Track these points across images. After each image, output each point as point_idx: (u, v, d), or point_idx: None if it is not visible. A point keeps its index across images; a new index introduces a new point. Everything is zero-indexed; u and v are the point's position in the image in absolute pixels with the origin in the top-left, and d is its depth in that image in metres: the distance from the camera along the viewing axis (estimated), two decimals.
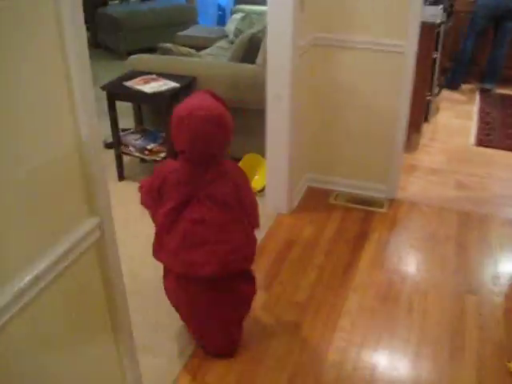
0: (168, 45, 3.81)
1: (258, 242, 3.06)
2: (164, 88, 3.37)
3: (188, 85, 3.51)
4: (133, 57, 3.80)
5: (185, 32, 5.79)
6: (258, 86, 3.28)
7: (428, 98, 4.47)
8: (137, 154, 3.58)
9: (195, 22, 7.01)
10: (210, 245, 2.07)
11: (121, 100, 3.56)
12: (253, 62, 3.64)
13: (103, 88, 3.42)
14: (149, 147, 3.50)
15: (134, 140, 3.59)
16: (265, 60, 3.10)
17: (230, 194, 2.10)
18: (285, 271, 2.87)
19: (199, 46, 5.59)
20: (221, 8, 7.65)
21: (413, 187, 3.70)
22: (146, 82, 3.45)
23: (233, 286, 2.22)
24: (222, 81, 3.53)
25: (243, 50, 3.71)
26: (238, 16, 5.43)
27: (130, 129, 3.79)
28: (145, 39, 6.60)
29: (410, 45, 3.08)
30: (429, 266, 2.92)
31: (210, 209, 2.06)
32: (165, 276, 2.31)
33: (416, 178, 3.83)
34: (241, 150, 3.72)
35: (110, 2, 6.96)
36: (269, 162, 3.29)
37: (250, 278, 2.34)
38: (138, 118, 3.88)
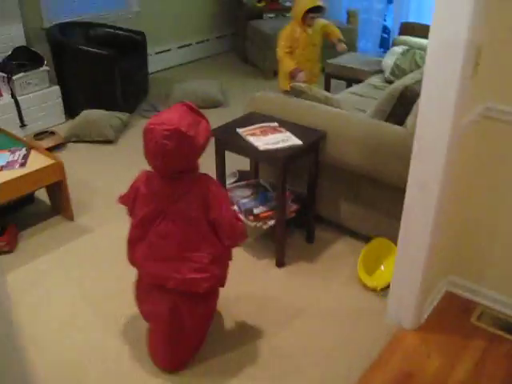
0: (302, 85, 3.16)
1: (368, 364, 2.36)
2: (280, 146, 2.71)
3: (314, 142, 2.84)
4: (257, 95, 3.20)
5: (337, 59, 5.09)
6: (402, 157, 2.55)
7: None
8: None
9: (355, 46, 6.28)
10: (172, 261, 2.06)
11: (229, 150, 2.94)
12: (402, 120, 2.89)
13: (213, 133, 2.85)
14: (255, 211, 2.84)
15: (241, 197, 2.95)
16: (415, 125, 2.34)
17: (199, 209, 2.05)
18: None
19: (351, 76, 4.94)
20: (386, 30, 6.87)
21: None
22: (264, 132, 2.81)
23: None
24: (356, 141, 2.82)
25: (391, 104, 2.94)
26: (399, 49, 4.61)
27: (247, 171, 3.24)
28: None
29: None
30: None
31: (175, 224, 2.05)
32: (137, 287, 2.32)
33: None
34: (371, 228, 3.01)
35: (264, 16, 6.42)
36: (399, 255, 2.52)
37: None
38: (254, 168, 3.28)
